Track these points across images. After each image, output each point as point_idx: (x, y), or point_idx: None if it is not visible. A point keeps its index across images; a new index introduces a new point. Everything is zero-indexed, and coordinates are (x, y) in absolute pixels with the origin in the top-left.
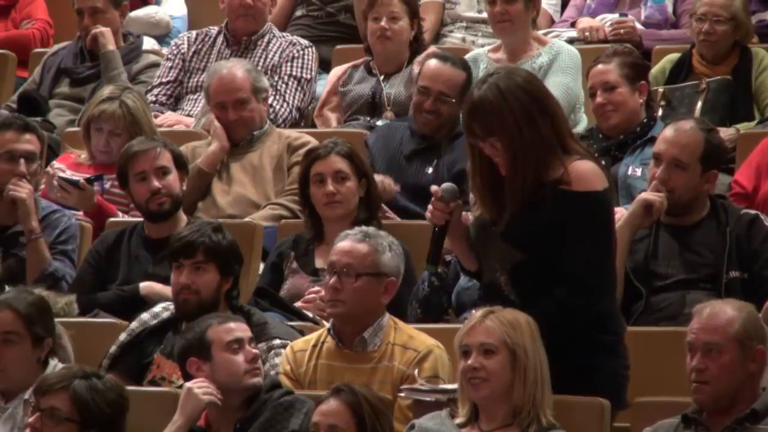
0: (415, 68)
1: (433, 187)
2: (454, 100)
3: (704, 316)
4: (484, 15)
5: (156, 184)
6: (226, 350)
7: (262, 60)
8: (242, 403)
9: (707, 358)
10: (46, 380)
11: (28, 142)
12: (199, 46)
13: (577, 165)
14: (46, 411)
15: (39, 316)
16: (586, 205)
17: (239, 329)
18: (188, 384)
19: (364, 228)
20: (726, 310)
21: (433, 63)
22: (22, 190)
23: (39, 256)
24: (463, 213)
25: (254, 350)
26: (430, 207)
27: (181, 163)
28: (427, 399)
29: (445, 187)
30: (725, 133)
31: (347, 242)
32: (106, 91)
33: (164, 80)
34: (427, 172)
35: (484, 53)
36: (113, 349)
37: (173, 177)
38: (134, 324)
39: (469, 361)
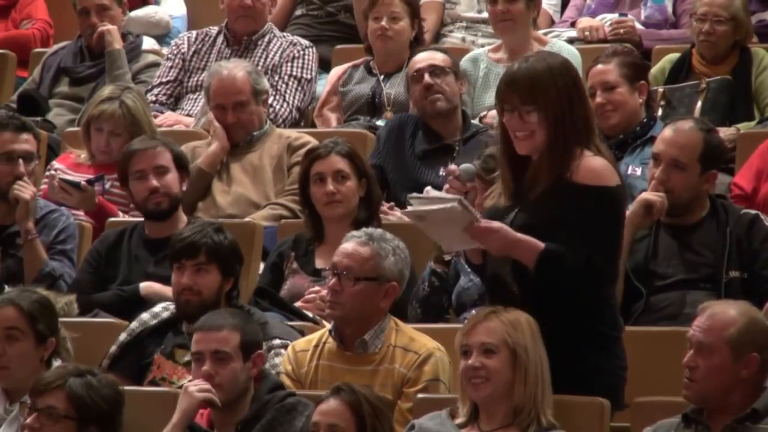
0: None
1: (452, 167)
2: (447, 69)
3: (705, 315)
4: (484, 15)
5: (154, 182)
6: None
7: (262, 60)
8: (244, 403)
9: (699, 357)
10: (41, 380)
11: (26, 142)
12: (199, 46)
13: (590, 160)
14: (43, 410)
15: (42, 313)
16: (598, 199)
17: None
18: (186, 383)
19: (370, 230)
20: (728, 313)
21: (416, 56)
22: (27, 191)
23: (35, 257)
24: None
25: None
26: (446, 186)
27: (181, 163)
28: (434, 207)
29: (464, 167)
30: (725, 132)
31: (350, 244)
32: (106, 91)
33: (164, 80)
34: (440, 173)
35: (484, 53)
36: (113, 349)
37: (172, 177)
38: (134, 324)
39: (470, 361)
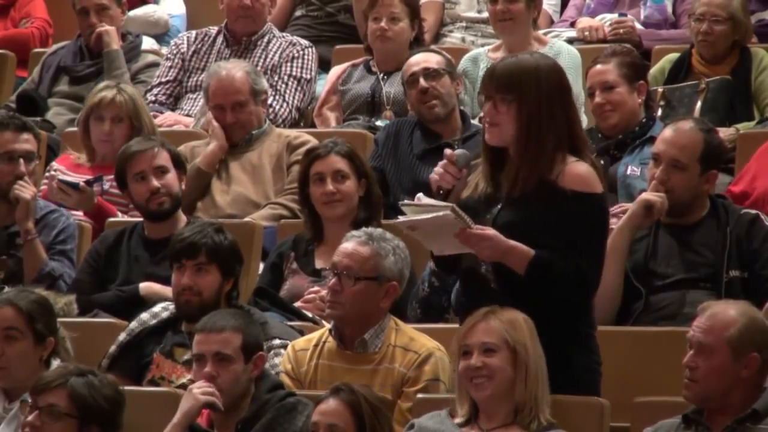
0: None
1: (447, 151)
2: (442, 71)
3: (705, 316)
4: (484, 15)
5: (155, 183)
6: None
7: (262, 60)
8: (244, 404)
9: (699, 357)
10: (42, 379)
11: (26, 142)
12: (199, 46)
13: (576, 166)
14: (44, 409)
15: (41, 313)
16: (587, 206)
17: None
18: (189, 385)
19: (370, 230)
20: (728, 313)
21: (411, 59)
22: (27, 191)
23: (35, 257)
24: None
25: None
26: (438, 169)
27: (178, 162)
28: (427, 216)
29: (460, 152)
30: (725, 133)
31: (350, 244)
32: (102, 84)
33: (163, 80)
34: None
35: (484, 52)
36: (113, 349)
37: (172, 176)
38: (134, 324)
39: (471, 361)
